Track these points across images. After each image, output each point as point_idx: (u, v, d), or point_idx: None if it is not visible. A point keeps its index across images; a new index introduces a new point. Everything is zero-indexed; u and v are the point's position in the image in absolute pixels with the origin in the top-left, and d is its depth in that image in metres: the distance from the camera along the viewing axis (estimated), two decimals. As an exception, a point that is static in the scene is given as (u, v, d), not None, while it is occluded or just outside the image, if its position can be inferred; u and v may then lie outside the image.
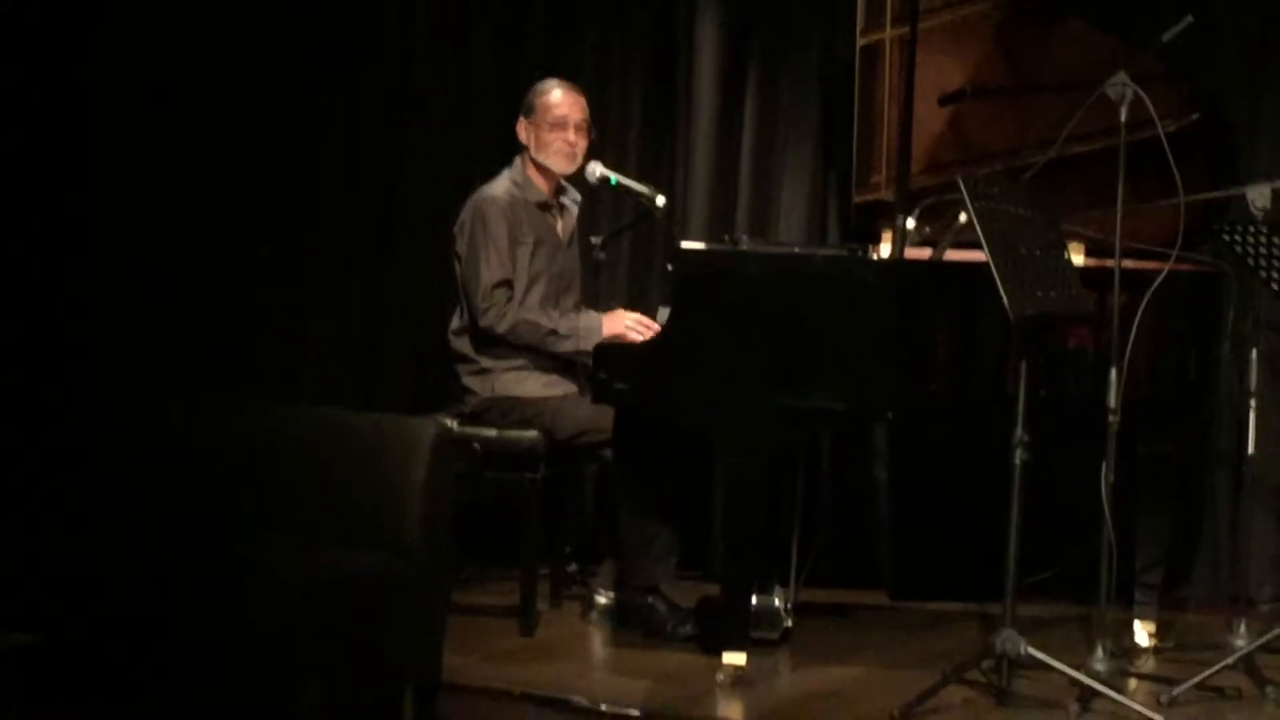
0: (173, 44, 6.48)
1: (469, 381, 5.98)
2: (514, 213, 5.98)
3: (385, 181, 6.84)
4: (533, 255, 6.00)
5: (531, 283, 5.99)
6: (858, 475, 6.84)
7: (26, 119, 6.24)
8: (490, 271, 5.91)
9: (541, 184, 6.08)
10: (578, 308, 6.16)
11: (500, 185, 6.05)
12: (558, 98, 6.05)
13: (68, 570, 4.54)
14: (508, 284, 5.93)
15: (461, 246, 5.99)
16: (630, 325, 5.92)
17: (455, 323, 6.06)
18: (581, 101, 6.09)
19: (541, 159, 6.05)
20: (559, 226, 6.15)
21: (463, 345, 6.01)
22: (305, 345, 6.79)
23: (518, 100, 6.65)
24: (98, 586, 4.48)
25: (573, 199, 6.23)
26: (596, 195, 6.39)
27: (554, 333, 5.91)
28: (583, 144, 6.07)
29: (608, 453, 5.85)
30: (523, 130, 6.08)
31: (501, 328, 5.89)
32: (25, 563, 4.57)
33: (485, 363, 5.95)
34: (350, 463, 4.88)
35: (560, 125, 6.02)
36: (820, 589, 6.42)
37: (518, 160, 6.10)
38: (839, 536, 6.72)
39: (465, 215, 6.02)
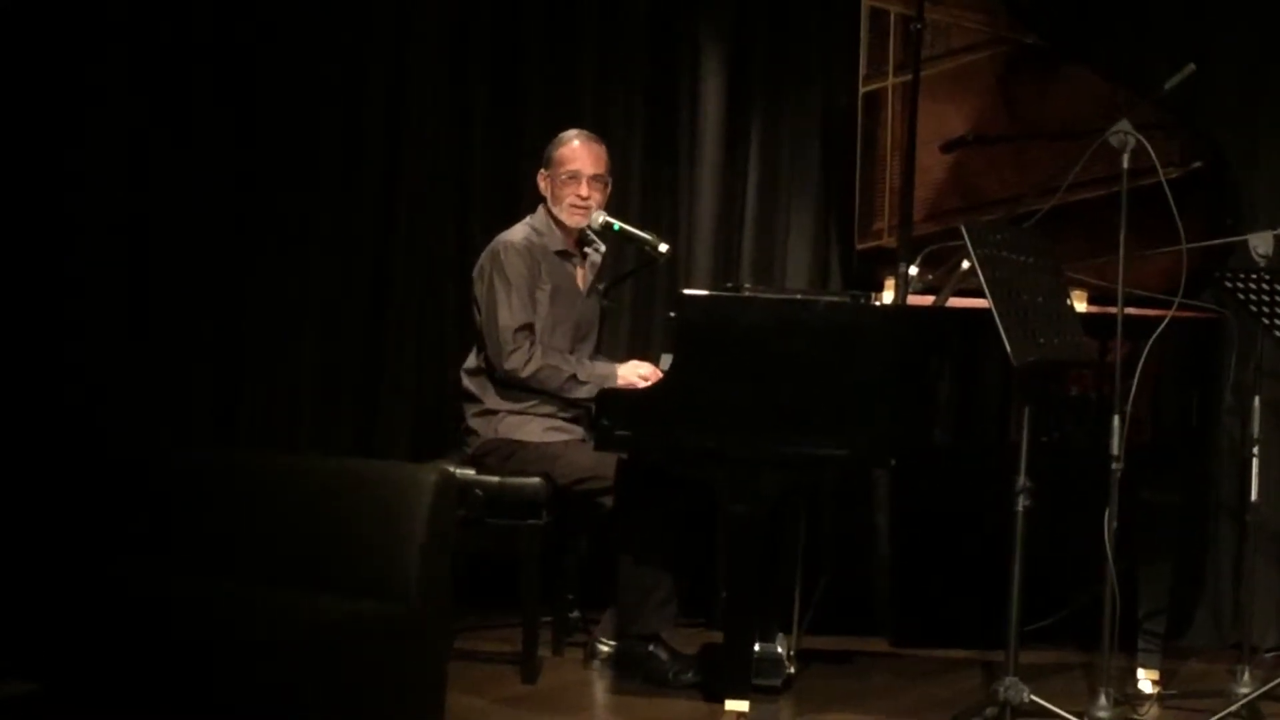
0: (160, 83, 6.52)
1: (473, 423, 5.97)
2: (532, 257, 5.98)
3: (381, 225, 6.83)
4: (551, 301, 6.00)
5: (548, 331, 5.99)
6: (857, 522, 6.83)
7: (19, 156, 6.28)
8: (512, 316, 5.90)
9: (562, 233, 6.08)
10: (593, 357, 6.15)
11: (519, 231, 6.05)
12: (573, 151, 6.05)
13: (68, 618, 4.53)
14: (529, 328, 5.93)
15: (480, 291, 5.98)
16: (644, 375, 5.91)
17: (471, 361, 6.06)
18: (598, 151, 6.08)
19: (556, 212, 6.05)
20: (579, 276, 6.14)
21: (473, 385, 6.01)
22: (302, 392, 6.78)
23: (517, 147, 6.70)
24: (98, 634, 4.47)
25: (596, 249, 6.22)
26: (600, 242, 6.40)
27: (574, 378, 5.90)
28: (597, 197, 6.06)
29: (607, 500, 5.84)
30: (542, 181, 6.09)
31: (525, 372, 5.88)
32: (26, 611, 4.56)
33: (491, 404, 5.95)
34: (351, 509, 4.87)
35: (573, 179, 6.02)
36: (823, 636, 6.39)
37: (540, 208, 6.10)
38: (839, 584, 6.69)
39: (484, 260, 6.01)
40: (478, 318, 6.00)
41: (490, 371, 5.95)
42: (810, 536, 6.23)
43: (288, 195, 6.74)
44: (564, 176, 6.03)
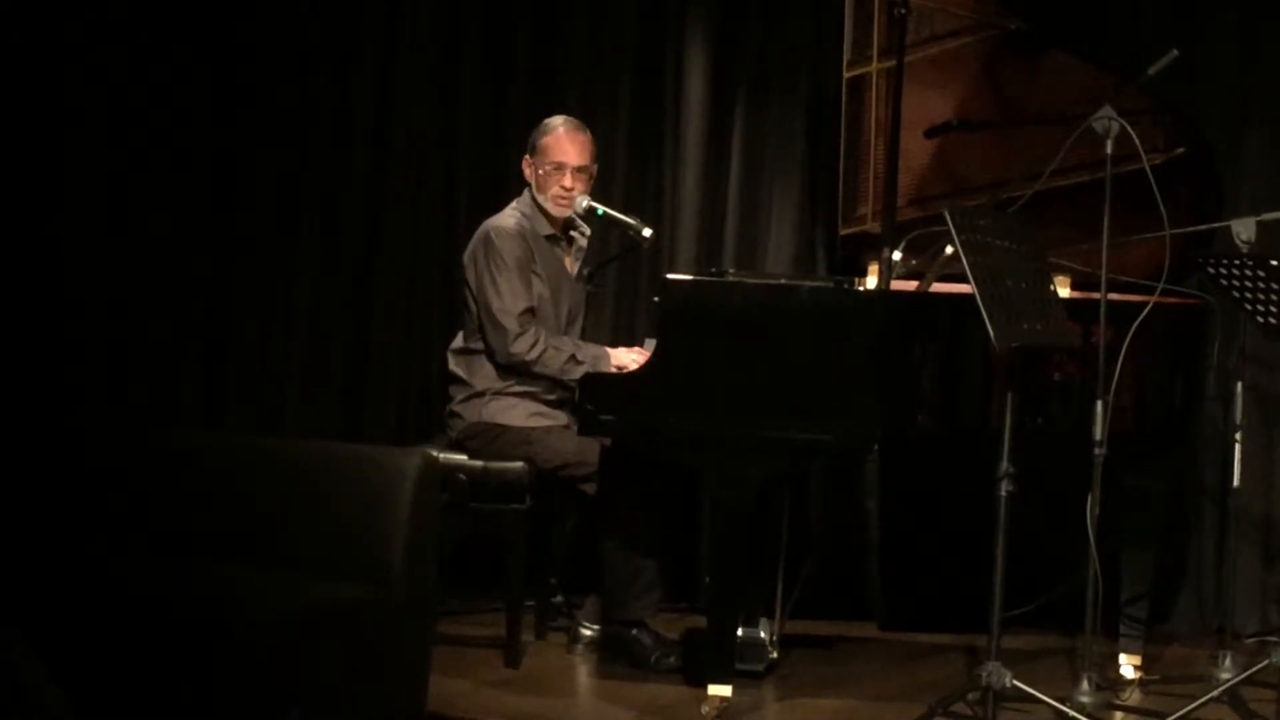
0: (150, 71, 6.50)
1: (458, 406, 5.97)
2: (525, 242, 5.97)
3: (368, 211, 6.82)
4: (542, 287, 5.99)
5: (539, 315, 5.98)
6: (846, 507, 6.84)
7: (6, 153, 6.26)
8: (515, 300, 5.89)
9: (548, 219, 6.07)
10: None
11: (509, 216, 6.04)
12: (558, 140, 6.02)
13: (51, 603, 4.52)
14: (531, 311, 5.92)
15: (473, 276, 5.97)
16: (635, 360, 5.91)
17: (457, 342, 6.06)
18: (583, 140, 6.06)
19: (540, 201, 6.03)
20: (567, 261, 6.14)
21: (459, 366, 6.01)
22: (288, 376, 6.77)
23: (503, 131, 6.69)
24: (81, 618, 4.47)
25: (582, 233, 6.21)
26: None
27: (573, 358, 5.89)
28: (581, 187, 6.04)
29: (589, 487, 5.84)
30: (527, 168, 6.07)
31: (531, 355, 5.86)
32: (6, 595, 4.55)
33: (480, 384, 5.94)
34: (335, 493, 4.87)
35: (558, 170, 6.00)
36: (806, 620, 6.40)
37: (526, 193, 6.09)
38: (827, 568, 6.70)
39: (476, 245, 6.00)
40: (470, 303, 5.99)
41: (488, 354, 5.93)
42: (795, 521, 6.24)
43: (275, 178, 6.73)
44: (548, 167, 6.01)
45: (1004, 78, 6.22)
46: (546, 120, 6.11)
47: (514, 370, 5.91)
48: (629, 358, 5.94)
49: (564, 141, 6.03)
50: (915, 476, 6.73)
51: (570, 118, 6.13)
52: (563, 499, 6.07)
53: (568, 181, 6.01)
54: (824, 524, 6.80)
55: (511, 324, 5.88)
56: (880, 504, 6.81)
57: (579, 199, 6.05)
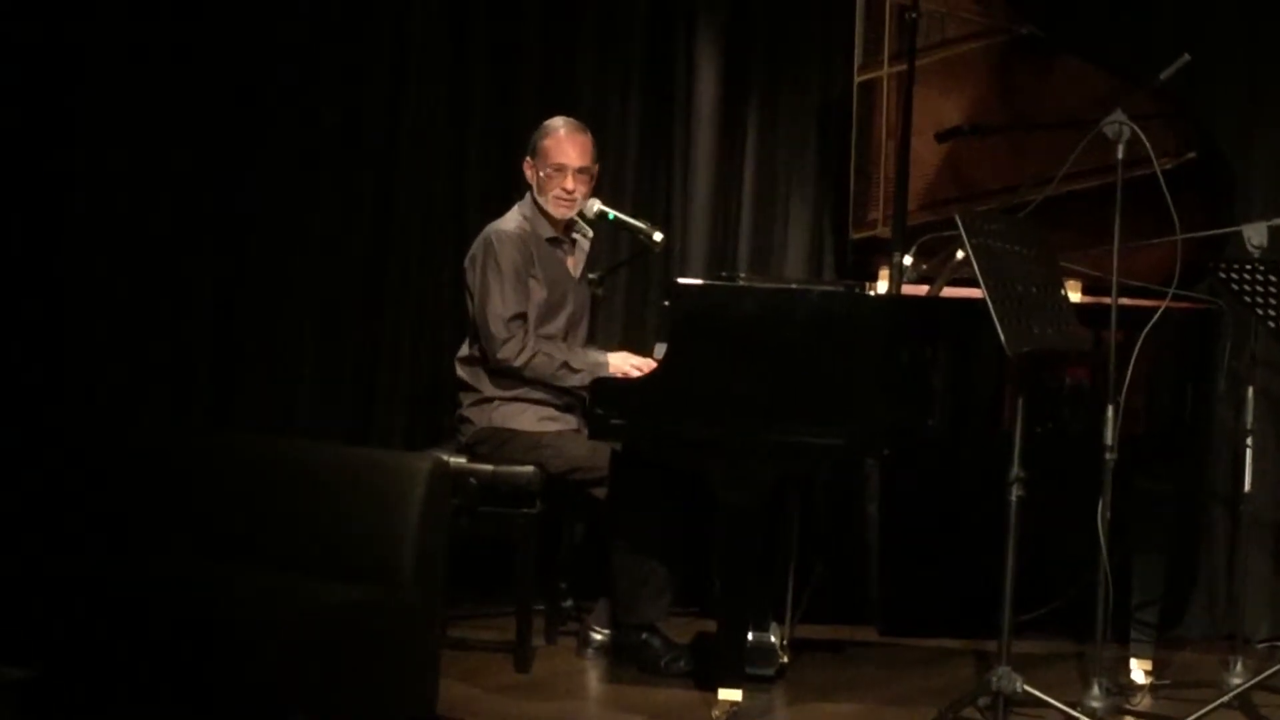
0: (157, 69, 6.51)
1: (468, 411, 5.97)
2: (525, 245, 5.96)
3: (377, 214, 6.82)
4: (544, 289, 5.99)
5: (541, 318, 5.98)
6: (852, 511, 6.83)
7: (16, 154, 6.26)
8: (506, 305, 5.89)
9: (549, 221, 6.07)
10: (585, 345, 6.13)
11: (511, 220, 6.04)
12: (559, 142, 6.00)
13: (66, 604, 4.53)
14: (522, 317, 5.92)
15: (472, 280, 5.97)
16: (636, 365, 5.90)
17: (464, 350, 6.05)
18: (584, 141, 6.05)
19: (542, 202, 6.03)
20: (570, 263, 6.14)
21: (467, 373, 6.00)
22: (300, 379, 6.78)
23: (512, 135, 6.67)
24: (95, 620, 4.47)
25: (584, 234, 6.21)
26: (594, 230, 6.38)
27: (566, 365, 5.89)
28: (583, 189, 6.03)
29: (599, 491, 5.84)
30: (528, 170, 6.06)
31: (519, 361, 5.87)
32: (24, 597, 4.56)
33: (487, 391, 5.94)
34: (345, 496, 4.88)
35: (559, 171, 5.99)
36: (815, 625, 6.39)
37: (528, 195, 6.09)
38: (834, 573, 6.69)
39: (476, 249, 6.00)
40: (470, 306, 5.99)
41: (484, 360, 5.94)
42: (804, 526, 6.23)
43: (284, 181, 6.73)
44: (550, 169, 6.00)
45: (1014, 82, 6.21)
46: (547, 122, 6.10)
47: (507, 374, 5.91)
48: (630, 364, 5.93)
49: (564, 144, 6.02)
50: (923, 480, 6.72)
51: (570, 119, 6.12)
52: (572, 503, 6.07)
53: (569, 184, 6.00)
54: (828, 528, 6.78)
55: (499, 329, 5.88)
56: (881, 508, 6.81)
57: (590, 202, 6.05)
